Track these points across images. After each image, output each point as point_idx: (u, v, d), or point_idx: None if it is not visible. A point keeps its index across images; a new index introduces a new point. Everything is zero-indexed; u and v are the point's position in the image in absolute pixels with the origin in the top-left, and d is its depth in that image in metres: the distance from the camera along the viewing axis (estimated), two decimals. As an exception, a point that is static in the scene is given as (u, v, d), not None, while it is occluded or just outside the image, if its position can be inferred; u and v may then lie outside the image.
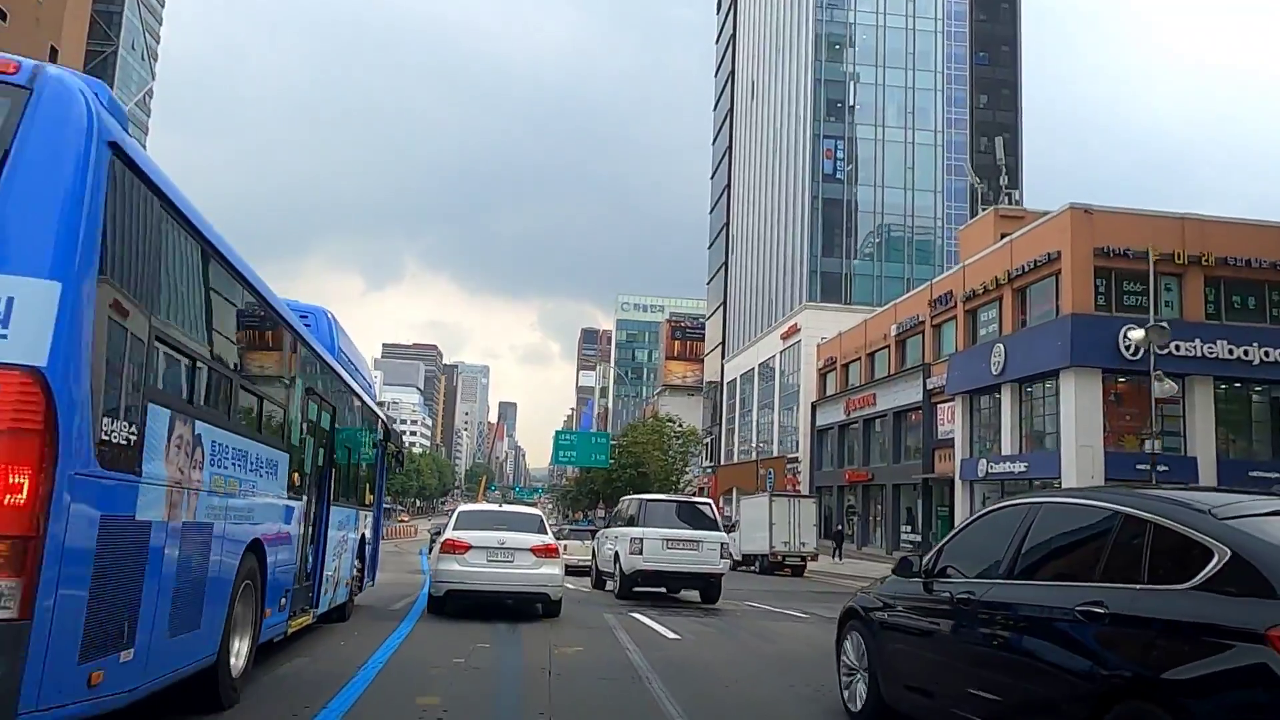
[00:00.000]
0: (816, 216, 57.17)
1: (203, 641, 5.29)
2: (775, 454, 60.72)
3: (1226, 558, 3.87)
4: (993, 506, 6.05)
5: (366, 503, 12.95)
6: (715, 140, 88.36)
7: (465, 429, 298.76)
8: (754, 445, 65.88)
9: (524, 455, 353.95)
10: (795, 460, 55.62)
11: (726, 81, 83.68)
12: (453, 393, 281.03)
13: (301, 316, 8.43)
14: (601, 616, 13.28)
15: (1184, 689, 3.70)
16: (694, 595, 17.19)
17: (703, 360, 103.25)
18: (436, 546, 13.44)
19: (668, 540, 16.38)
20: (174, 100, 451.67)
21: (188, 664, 5.11)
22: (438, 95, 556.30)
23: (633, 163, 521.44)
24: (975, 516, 6.22)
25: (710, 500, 21.01)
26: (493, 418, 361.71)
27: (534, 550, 12.54)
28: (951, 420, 36.59)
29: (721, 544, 16.95)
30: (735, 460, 68.03)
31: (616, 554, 17.10)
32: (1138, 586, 4.19)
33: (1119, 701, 3.98)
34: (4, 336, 3.38)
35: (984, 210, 43.70)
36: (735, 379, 72.20)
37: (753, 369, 67.85)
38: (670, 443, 50.63)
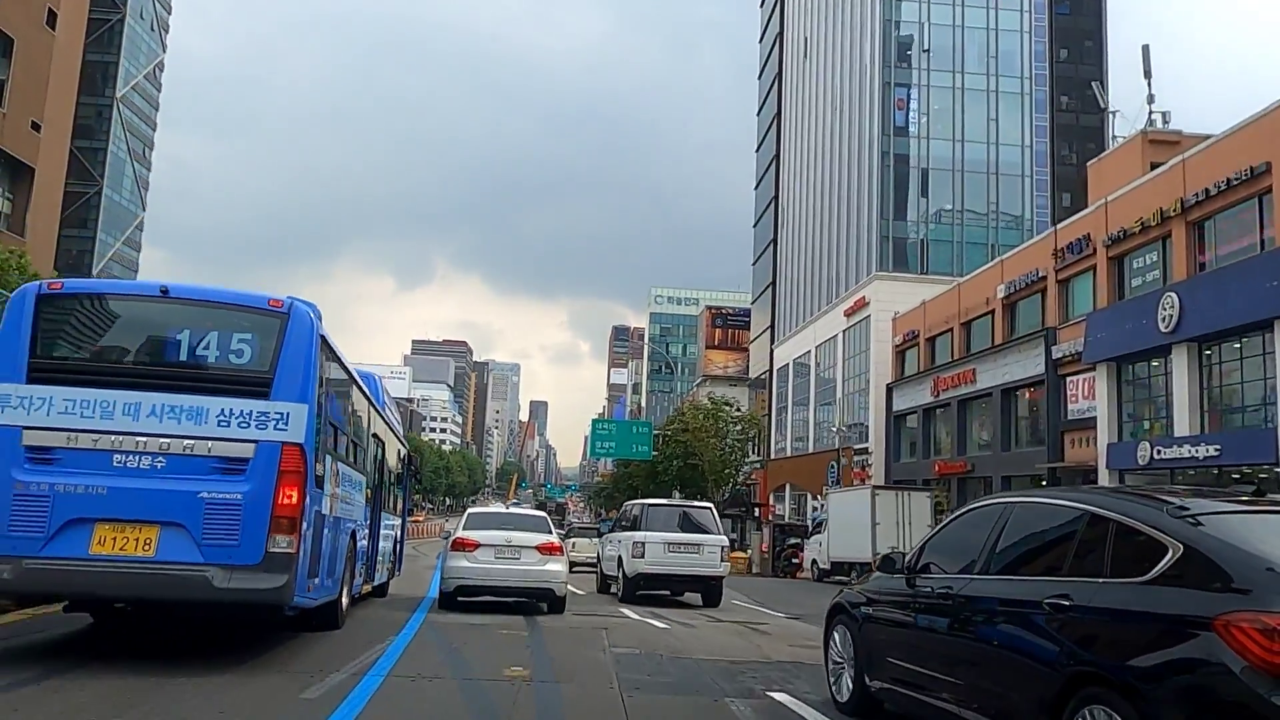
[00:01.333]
0: (886, 175, 49.55)
1: (335, 583, 9.22)
2: (838, 445, 53.26)
3: (1180, 552, 4.16)
4: (969, 506, 6.41)
5: (398, 511, 16.34)
6: (760, 110, 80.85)
7: (496, 427, 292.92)
8: (811, 437, 58.45)
9: (555, 454, 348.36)
10: (864, 451, 48.12)
11: (773, 44, 76.11)
12: (483, 391, 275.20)
13: (364, 379, 11.84)
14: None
15: (1141, 675, 3.98)
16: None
17: (746, 349, 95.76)
18: (447, 544, 14.21)
19: (669, 544, 16.58)
20: (206, 101, 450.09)
21: (330, 595, 8.98)
22: (466, 96, 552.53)
23: (662, 162, 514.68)
24: (953, 516, 6.52)
25: (710, 505, 20.38)
26: (523, 416, 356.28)
27: (539, 548, 13.37)
28: (1090, 395, 28.95)
29: (721, 547, 17.11)
30: (788, 453, 60.62)
31: (620, 557, 17.18)
32: (1100, 580, 4.49)
33: (1084, 686, 4.28)
34: (287, 428, 7.26)
35: (1119, 140, 35.88)
36: (787, 365, 64.66)
37: (808, 352, 60.30)
38: (727, 428, 43.03)
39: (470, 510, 15.89)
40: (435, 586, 14.91)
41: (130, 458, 6.97)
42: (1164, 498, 4.60)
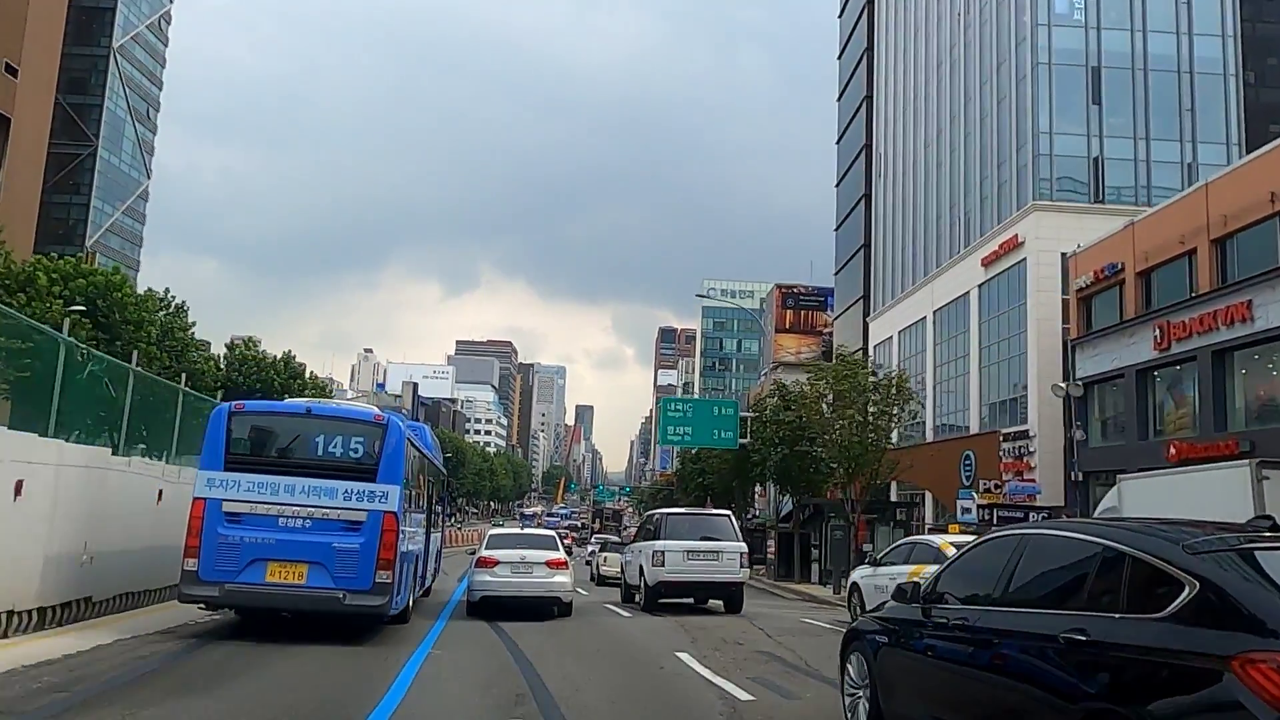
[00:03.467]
0: (1044, 77, 37.32)
1: (406, 594, 12.98)
2: (975, 430, 41.04)
3: (1196, 589, 4.11)
4: (985, 537, 6.50)
5: (439, 526, 20.27)
6: (842, 52, 68.72)
7: (542, 430, 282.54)
8: (930, 424, 46.19)
9: (600, 459, 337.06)
10: (1023, 435, 35.93)
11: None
12: (529, 393, 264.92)
13: (414, 430, 14.94)
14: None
15: (1157, 715, 3.93)
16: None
17: (821, 333, 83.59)
18: (472, 562, 16.52)
19: (688, 552, 16.75)
20: (259, 114, 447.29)
21: (405, 603, 12.87)
22: (509, 104, 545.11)
23: (705, 166, 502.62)
24: (970, 546, 6.42)
25: (730, 512, 20.36)
26: (569, 420, 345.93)
27: (548, 563, 15.81)
28: None
29: (740, 554, 17.10)
30: (897, 443, 48.35)
31: (641, 567, 17.41)
32: (1117, 615, 4.46)
33: None
34: (386, 501, 11.24)
35: None
36: (890, 338, 52.50)
37: (921, 321, 48.13)
38: (864, 398, 30.33)
39: (491, 532, 19.54)
40: (457, 593, 19.05)
41: (289, 520, 11.14)
42: (1182, 532, 4.63)
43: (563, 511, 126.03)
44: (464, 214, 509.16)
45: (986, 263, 40.06)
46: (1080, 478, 28.89)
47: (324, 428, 11.61)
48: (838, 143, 68.91)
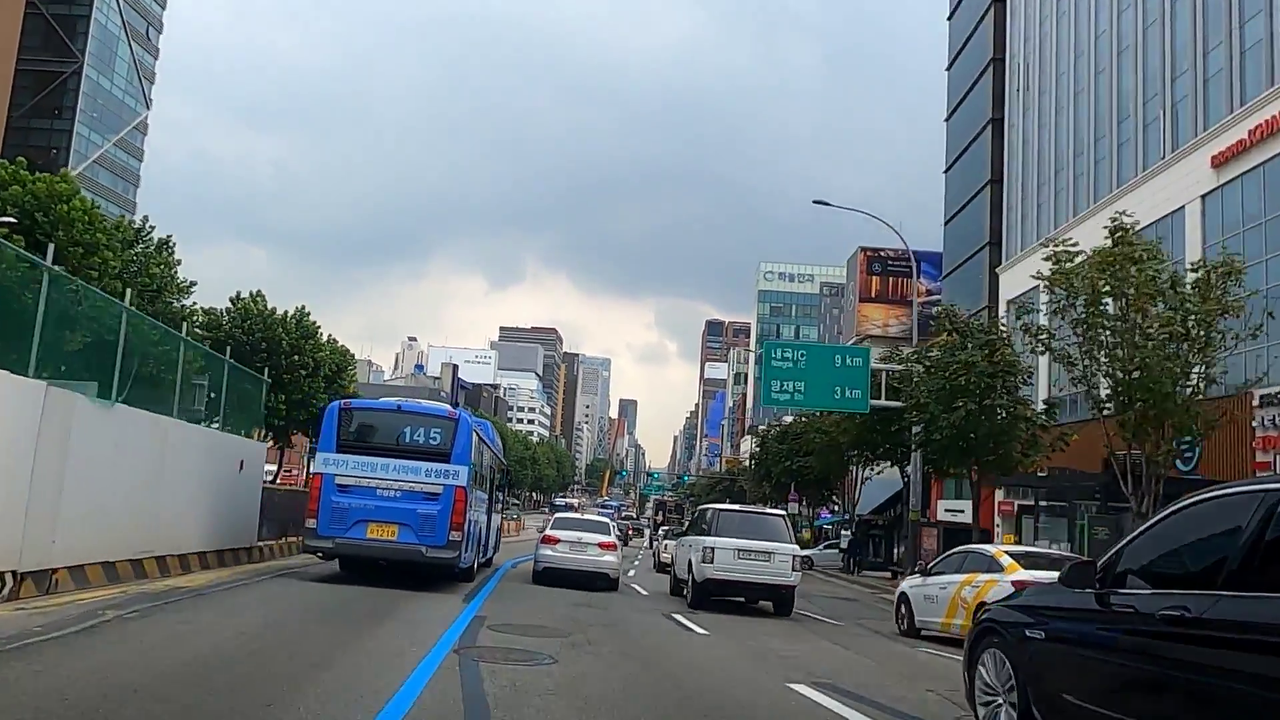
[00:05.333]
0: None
1: (472, 555, 16.09)
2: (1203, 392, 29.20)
3: None
4: (1194, 497, 4.62)
5: (499, 510, 24.12)
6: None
7: (586, 423, 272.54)
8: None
9: (644, 454, 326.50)
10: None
11: None
12: (573, 384, 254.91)
13: (479, 425, 17.65)
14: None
15: None
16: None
17: (909, 302, 71.79)
18: (539, 538, 19.38)
19: (739, 550, 16.02)
20: (308, 107, 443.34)
21: (470, 562, 15.87)
22: (554, 96, 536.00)
23: (749, 159, 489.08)
24: (1167, 512, 4.79)
25: (784, 513, 19.45)
26: (613, 414, 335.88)
27: (600, 545, 18.34)
28: None
29: (794, 556, 16.24)
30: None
31: (691, 561, 16.93)
32: None
33: None
34: (458, 478, 14.31)
35: None
36: (1030, 291, 40.72)
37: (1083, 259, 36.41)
38: (1179, 297, 17.77)
39: (556, 515, 24.34)
40: (505, 566, 22.19)
41: (384, 491, 13.99)
42: None
43: (614, 504, 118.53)
44: (509, 207, 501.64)
45: (1219, 162, 28.34)
46: None
47: (410, 420, 14.87)
48: (948, 69, 57.14)
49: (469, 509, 14.62)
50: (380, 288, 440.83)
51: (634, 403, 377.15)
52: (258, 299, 52.83)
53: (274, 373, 52.50)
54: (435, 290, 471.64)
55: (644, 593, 19.19)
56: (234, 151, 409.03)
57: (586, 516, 24.10)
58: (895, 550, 35.43)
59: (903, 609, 15.22)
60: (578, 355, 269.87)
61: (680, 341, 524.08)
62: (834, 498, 50.56)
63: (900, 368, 29.06)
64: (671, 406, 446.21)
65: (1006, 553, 13.73)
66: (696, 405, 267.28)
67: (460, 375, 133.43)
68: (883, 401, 28.39)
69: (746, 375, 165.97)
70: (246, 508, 16.22)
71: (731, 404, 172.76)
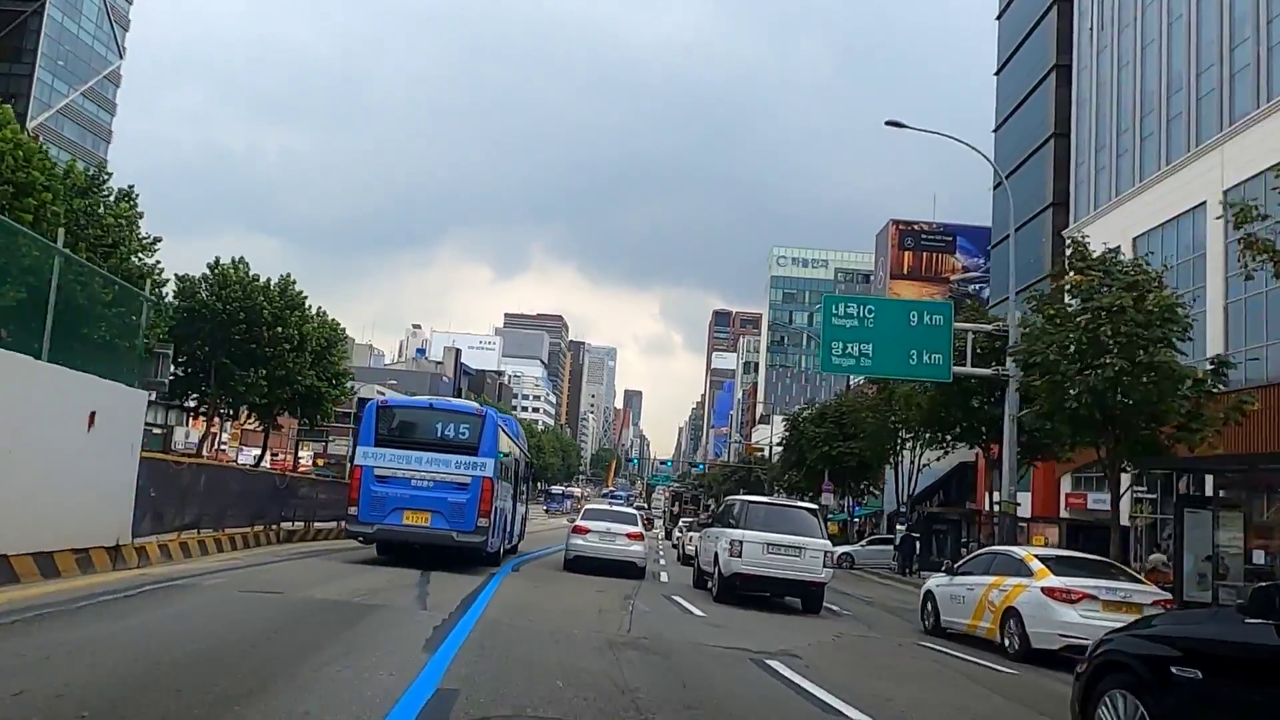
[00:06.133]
0: None
1: (499, 541, 17.20)
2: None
3: None
4: None
5: (524, 500, 24.93)
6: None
7: (592, 412, 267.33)
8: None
9: (649, 445, 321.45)
10: None
11: None
12: (579, 373, 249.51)
13: (504, 420, 19.39)
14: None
15: None
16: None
17: (947, 280, 66.32)
18: (570, 528, 20.11)
19: (768, 545, 15.27)
20: (319, 95, 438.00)
21: (497, 547, 16.97)
22: (564, 87, 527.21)
23: (757, 153, 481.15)
24: None
25: (816, 505, 19.93)
26: (619, 404, 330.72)
27: (628, 535, 19.09)
28: None
29: (825, 552, 15.47)
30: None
31: (717, 554, 16.07)
32: None
33: None
34: (485, 469, 15.55)
35: None
36: (1117, 248, 35.23)
37: (1190, 214, 31.02)
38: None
39: (587, 506, 26.43)
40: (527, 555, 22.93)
41: (418, 481, 15.24)
42: None
43: (623, 494, 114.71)
44: (516, 198, 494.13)
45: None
46: None
47: (441, 417, 16.21)
48: (998, 17, 51.59)
49: (495, 498, 15.84)
50: (389, 275, 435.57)
51: (639, 394, 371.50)
52: (239, 265, 47.51)
53: (254, 346, 47.55)
54: (443, 278, 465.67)
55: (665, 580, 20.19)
56: (246, 141, 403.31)
57: (615, 508, 24.18)
58: (963, 548, 30.04)
59: (929, 606, 14.80)
60: (583, 344, 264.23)
61: (686, 333, 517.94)
62: (873, 489, 45.20)
63: (989, 327, 23.67)
64: (677, 397, 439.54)
65: (1036, 556, 12.96)
66: (703, 396, 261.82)
67: (464, 361, 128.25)
68: (969, 369, 22.98)
69: (758, 364, 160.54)
70: (107, 487, 10.52)
71: (741, 394, 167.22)
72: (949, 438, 26.85)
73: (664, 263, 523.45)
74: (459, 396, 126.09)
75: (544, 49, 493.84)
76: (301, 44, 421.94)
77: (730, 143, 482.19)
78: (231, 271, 47.79)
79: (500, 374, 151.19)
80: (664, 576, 20.89)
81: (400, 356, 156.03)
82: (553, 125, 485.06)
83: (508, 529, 19.28)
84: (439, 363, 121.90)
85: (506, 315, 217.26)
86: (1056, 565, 12.37)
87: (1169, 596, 12.89)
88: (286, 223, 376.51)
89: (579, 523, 19.68)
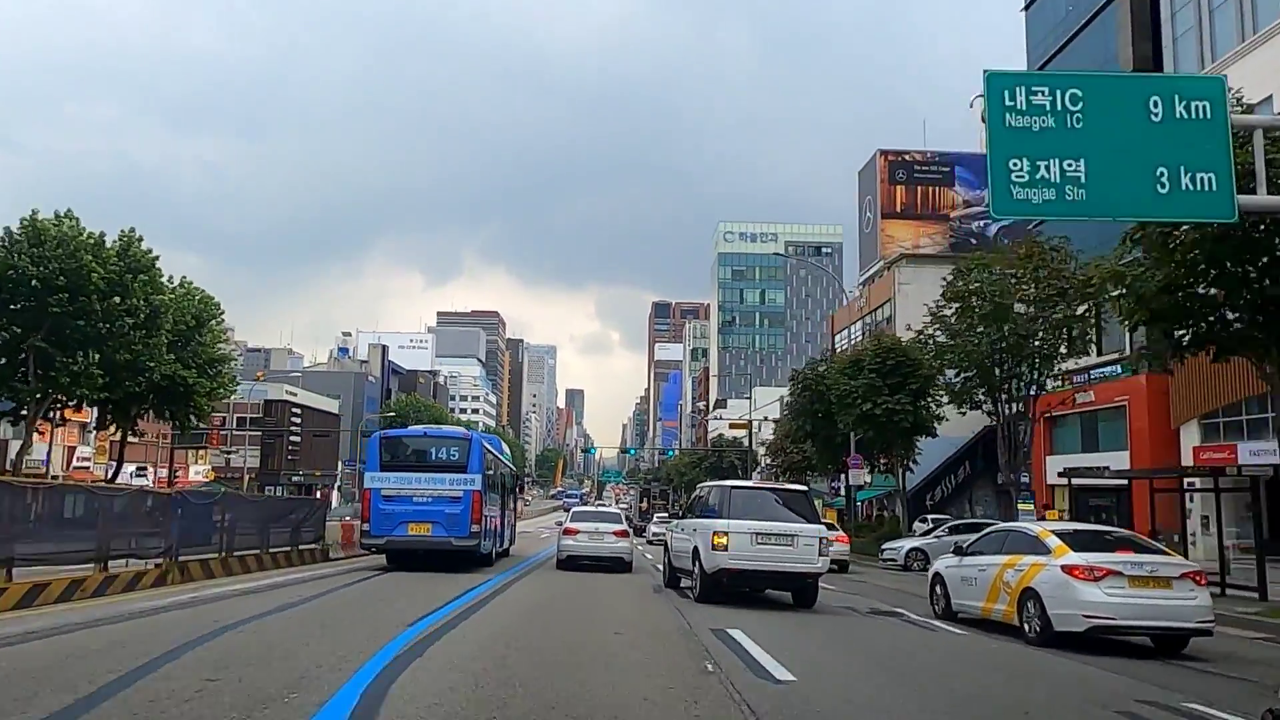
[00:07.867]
0: None
1: (490, 545, 20.26)
2: None
3: None
4: None
5: (510, 509, 26.81)
6: None
7: (534, 412, 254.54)
8: None
9: (593, 443, 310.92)
10: None
11: None
12: (518, 371, 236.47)
13: (488, 440, 22.51)
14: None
15: None
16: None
17: (947, 218, 56.15)
18: (560, 530, 22.09)
19: (757, 534, 13.19)
20: (234, 103, 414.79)
21: (489, 550, 20.02)
22: (488, 88, 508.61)
23: (687, 145, 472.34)
24: None
25: (807, 488, 17.19)
26: (561, 404, 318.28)
27: (614, 533, 20.75)
28: None
29: (820, 539, 13.39)
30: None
31: (696, 549, 13.93)
32: None
33: None
34: (474, 484, 18.57)
35: None
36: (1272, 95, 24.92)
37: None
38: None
39: (574, 509, 26.92)
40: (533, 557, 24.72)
41: (419, 498, 18.13)
42: None
43: (576, 493, 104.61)
44: (445, 201, 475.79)
45: None
46: None
47: (434, 442, 19.66)
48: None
49: (485, 508, 18.78)
50: (318, 287, 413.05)
51: (580, 392, 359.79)
52: (63, 219, 34.50)
53: (82, 320, 34.87)
54: (374, 286, 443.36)
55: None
56: (159, 154, 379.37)
57: (600, 509, 27.68)
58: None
59: (938, 589, 13.43)
60: (521, 341, 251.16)
61: (623, 330, 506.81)
62: (911, 462, 34.44)
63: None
64: (618, 395, 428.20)
65: (1053, 532, 11.59)
66: (647, 390, 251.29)
67: (393, 360, 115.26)
68: (1269, 198, 12.08)
69: (707, 350, 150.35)
70: None
71: (692, 381, 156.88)
72: (1193, 346, 15.69)
73: (598, 260, 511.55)
74: (388, 398, 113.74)
75: (467, 51, 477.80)
76: (213, 48, 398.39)
77: (657, 136, 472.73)
78: (53, 228, 34.52)
79: (434, 374, 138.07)
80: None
81: (330, 359, 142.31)
82: (478, 127, 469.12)
83: (498, 534, 22.05)
84: (364, 361, 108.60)
85: (439, 313, 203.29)
86: (1074, 541, 11.04)
87: (1198, 568, 11.10)
88: (207, 237, 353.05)
89: (568, 525, 21.42)
